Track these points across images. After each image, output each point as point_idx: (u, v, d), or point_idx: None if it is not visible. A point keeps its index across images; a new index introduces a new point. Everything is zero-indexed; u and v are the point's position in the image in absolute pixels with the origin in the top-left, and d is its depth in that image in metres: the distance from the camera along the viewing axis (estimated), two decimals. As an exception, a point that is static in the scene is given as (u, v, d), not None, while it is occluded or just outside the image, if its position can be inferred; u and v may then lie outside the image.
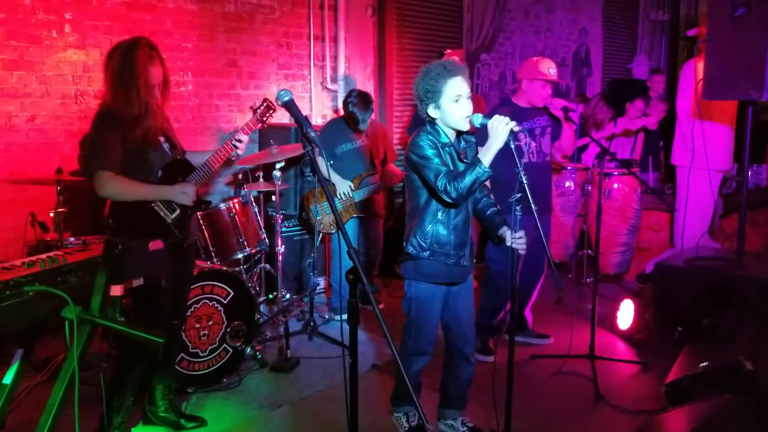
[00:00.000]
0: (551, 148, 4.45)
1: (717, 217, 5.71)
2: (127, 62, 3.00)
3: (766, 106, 6.49)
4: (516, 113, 3.93)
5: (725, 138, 5.13)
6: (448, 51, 6.06)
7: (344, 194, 4.96)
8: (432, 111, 3.00)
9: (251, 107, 3.57)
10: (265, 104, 3.47)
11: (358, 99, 4.98)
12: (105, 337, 3.93)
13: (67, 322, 2.02)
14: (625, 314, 4.77)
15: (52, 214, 4.08)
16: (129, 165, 3.04)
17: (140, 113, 3.03)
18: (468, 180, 2.84)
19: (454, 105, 2.95)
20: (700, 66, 4.50)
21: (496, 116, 2.85)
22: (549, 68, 4.21)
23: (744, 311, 3.84)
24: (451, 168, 2.98)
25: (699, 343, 3.67)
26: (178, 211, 3.18)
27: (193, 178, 3.22)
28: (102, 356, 3.89)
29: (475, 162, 2.86)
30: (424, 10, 7.27)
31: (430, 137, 2.99)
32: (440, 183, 2.88)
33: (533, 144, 4.26)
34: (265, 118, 3.49)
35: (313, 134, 2.27)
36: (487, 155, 2.85)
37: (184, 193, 3.16)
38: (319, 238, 5.31)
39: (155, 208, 3.12)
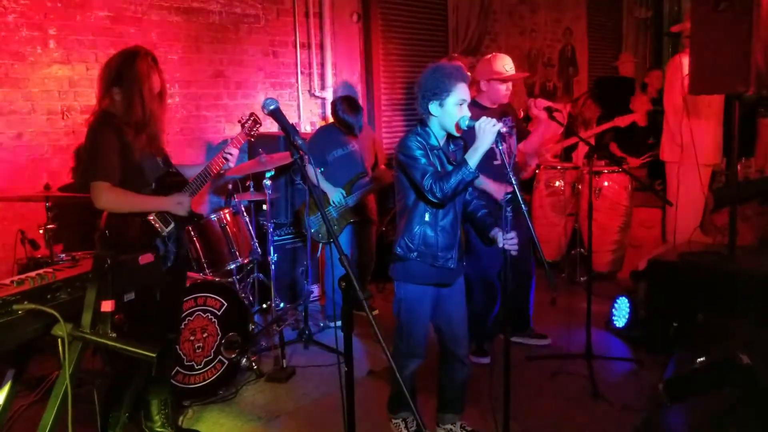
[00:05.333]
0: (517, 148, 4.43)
1: (707, 212, 5.73)
2: (130, 68, 3.00)
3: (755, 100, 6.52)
4: (483, 114, 3.93)
5: (713, 132, 5.16)
6: (455, 55, 6.10)
7: (337, 201, 4.94)
8: (433, 108, 3.00)
9: (239, 121, 3.60)
10: (251, 119, 3.53)
11: (345, 105, 4.98)
12: (98, 354, 3.89)
13: (59, 340, 2.00)
14: (620, 312, 4.77)
15: (41, 231, 4.05)
16: (124, 176, 3.02)
17: (144, 119, 3.02)
18: (454, 181, 2.85)
19: (457, 108, 2.97)
20: (686, 61, 4.52)
21: (484, 118, 2.86)
22: (504, 65, 4.17)
23: (739, 305, 3.85)
24: (439, 170, 2.99)
25: (695, 338, 3.67)
26: (172, 225, 3.18)
27: (187, 191, 3.21)
28: (96, 373, 3.85)
29: (462, 163, 2.87)
30: (408, 15, 7.27)
31: (419, 139, 3.00)
32: (426, 183, 2.89)
33: (504, 145, 4.24)
34: (252, 132, 3.54)
35: (300, 142, 2.26)
36: (473, 157, 2.86)
37: (180, 203, 3.15)
38: (319, 249, 5.30)
39: (150, 220, 3.11)
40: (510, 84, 4.22)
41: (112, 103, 3.04)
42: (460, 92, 2.97)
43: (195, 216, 3.34)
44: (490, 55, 4.28)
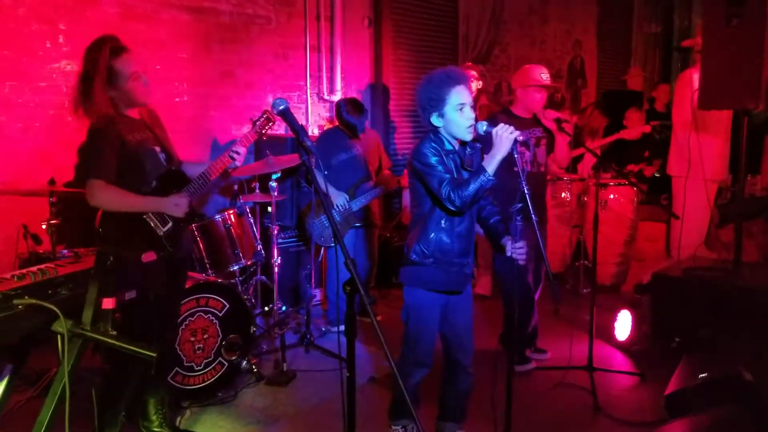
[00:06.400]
0: (546, 159, 4.44)
1: (713, 227, 5.71)
2: (96, 50, 2.97)
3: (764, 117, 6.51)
4: (514, 123, 3.94)
5: (721, 148, 5.14)
6: (468, 63, 6.08)
7: (341, 205, 4.93)
8: (435, 119, 2.98)
9: (251, 119, 3.55)
10: (264, 116, 3.46)
11: (350, 106, 5.00)
12: (97, 351, 3.87)
13: (58, 336, 1.98)
14: (623, 325, 4.75)
15: (44, 226, 4.04)
16: (124, 173, 2.99)
17: (111, 76, 2.95)
18: (472, 188, 2.83)
19: (457, 113, 2.93)
20: (696, 76, 4.51)
21: (501, 125, 2.84)
22: (541, 74, 4.25)
23: (742, 321, 3.83)
24: (455, 175, 2.96)
25: (697, 353, 3.65)
26: (170, 224, 3.13)
27: (187, 190, 3.18)
28: (94, 370, 3.84)
29: (480, 170, 2.85)
30: (420, 22, 7.28)
31: (434, 144, 2.98)
32: (444, 191, 2.86)
33: (527, 153, 4.26)
34: (264, 130, 3.46)
35: (309, 143, 2.25)
36: (491, 163, 2.83)
37: (176, 205, 3.10)
38: (321, 253, 5.28)
39: (147, 219, 3.08)
40: (545, 94, 4.27)
41: (97, 101, 3.00)
42: (457, 96, 2.93)
43: (196, 216, 3.31)
44: (528, 65, 4.36)
